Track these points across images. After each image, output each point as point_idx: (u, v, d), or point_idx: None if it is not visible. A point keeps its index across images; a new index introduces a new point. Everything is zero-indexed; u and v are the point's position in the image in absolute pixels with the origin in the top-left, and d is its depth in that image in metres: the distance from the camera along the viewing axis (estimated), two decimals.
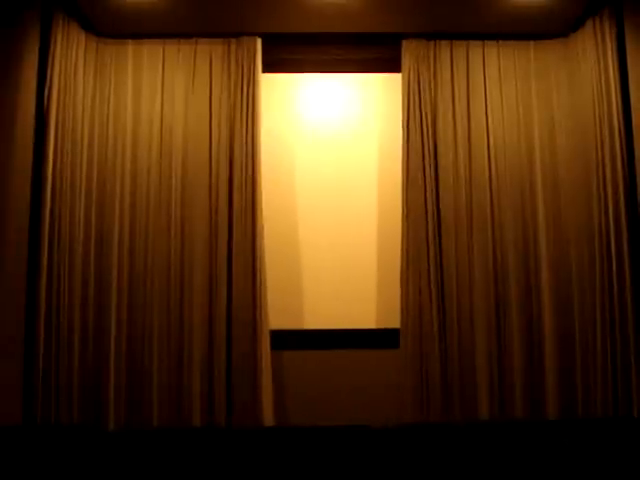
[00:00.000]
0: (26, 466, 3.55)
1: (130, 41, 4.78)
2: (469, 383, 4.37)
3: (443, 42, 4.76)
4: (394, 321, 4.55)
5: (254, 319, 4.40)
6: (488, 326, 4.45)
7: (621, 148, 4.31)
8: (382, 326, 4.73)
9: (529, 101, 4.73)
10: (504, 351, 4.44)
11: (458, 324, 4.43)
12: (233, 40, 4.75)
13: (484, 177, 4.61)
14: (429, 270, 4.44)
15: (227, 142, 4.61)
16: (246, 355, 4.36)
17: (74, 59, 4.50)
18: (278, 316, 4.62)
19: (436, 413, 4.32)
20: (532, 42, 4.78)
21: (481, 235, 4.53)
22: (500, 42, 4.78)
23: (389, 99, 4.93)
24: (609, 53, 4.39)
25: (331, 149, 4.93)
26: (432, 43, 4.75)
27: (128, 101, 4.69)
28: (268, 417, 4.34)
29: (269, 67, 4.80)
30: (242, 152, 4.55)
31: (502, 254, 4.54)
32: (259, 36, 4.73)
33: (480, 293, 4.47)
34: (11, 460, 3.59)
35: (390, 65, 4.84)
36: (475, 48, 4.77)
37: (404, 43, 4.72)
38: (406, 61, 4.69)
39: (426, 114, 4.61)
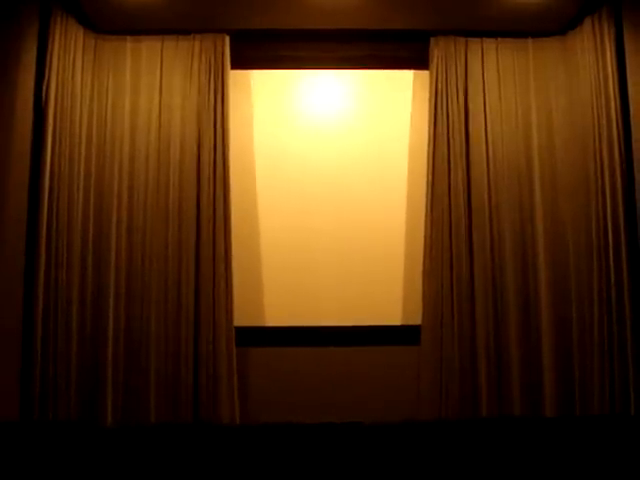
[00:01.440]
0: (23, 462, 3.55)
1: (128, 37, 4.76)
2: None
3: (461, 39, 4.77)
4: (393, 318, 4.63)
5: (217, 316, 4.42)
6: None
7: (619, 146, 4.31)
8: (382, 323, 4.74)
9: (527, 99, 4.73)
10: (502, 345, 4.45)
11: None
12: (208, 36, 4.72)
13: (484, 174, 4.62)
14: (452, 266, 4.46)
15: (195, 141, 4.61)
16: (210, 352, 4.38)
17: (72, 55, 4.49)
18: (275, 313, 4.69)
19: (454, 410, 4.34)
20: (530, 40, 4.78)
21: (511, 231, 4.55)
22: (499, 39, 4.79)
23: (382, 94, 4.98)
24: (607, 51, 4.39)
25: (331, 146, 4.93)
26: (456, 40, 4.76)
27: (126, 97, 4.68)
28: (232, 415, 4.36)
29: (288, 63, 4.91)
30: (210, 151, 4.56)
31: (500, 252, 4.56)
32: (270, 31, 4.75)
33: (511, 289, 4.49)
34: (8, 456, 3.59)
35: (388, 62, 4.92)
36: (473, 45, 4.77)
37: (432, 40, 4.74)
38: (434, 58, 4.70)
39: (453, 111, 4.63)
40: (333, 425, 4.13)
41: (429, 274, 4.49)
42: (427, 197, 4.58)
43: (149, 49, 4.76)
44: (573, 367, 4.42)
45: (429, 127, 4.65)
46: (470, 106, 4.68)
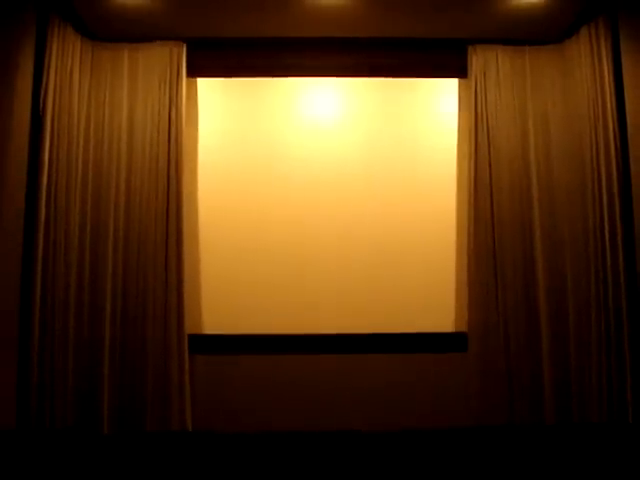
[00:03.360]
0: (20, 470, 3.53)
1: (126, 45, 4.77)
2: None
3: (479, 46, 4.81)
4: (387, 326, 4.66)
5: (169, 322, 4.43)
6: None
7: (616, 153, 4.35)
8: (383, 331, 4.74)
9: (524, 104, 4.76)
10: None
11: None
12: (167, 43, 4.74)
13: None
14: (496, 274, 4.52)
15: (155, 147, 4.64)
16: (162, 358, 4.40)
17: (70, 63, 4.50)
18: (271, 320, 4.68)
19: (502, 417, 4.37)
20: (527, 48, 4.81)
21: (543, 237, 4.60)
22: (499, 47, 4.83)
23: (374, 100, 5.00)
24: (604, 60, 4.42)
25: (332, 147, 4.94)
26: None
27: (124, 103, 4.69)
28: (183, 422, 4.36)
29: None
30: (165, 157, 4.60)
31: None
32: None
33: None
34: (5, 464, 3.57)
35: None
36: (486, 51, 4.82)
37: (469, 48, 4.79)
38: (472, 66, 4.76)
39: (488, 118, 4.70)
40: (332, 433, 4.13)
41: (474, 283, 4.54)
42: (469, 207, 4.62)
43: (145, 56, 4.76)
44: (570, 374, 4.41)
45: (471, 136, 4.69)
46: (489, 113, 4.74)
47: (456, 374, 4.55)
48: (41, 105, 4.27)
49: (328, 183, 4.89)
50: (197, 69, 4.88)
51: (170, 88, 4.69)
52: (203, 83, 5.00)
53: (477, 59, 4.78)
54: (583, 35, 4.56)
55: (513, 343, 4.48)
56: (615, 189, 4.33)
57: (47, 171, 4.27)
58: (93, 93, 4.69)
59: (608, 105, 4.39)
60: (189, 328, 4.53)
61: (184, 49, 4.75)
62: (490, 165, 4.65)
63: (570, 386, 4.39)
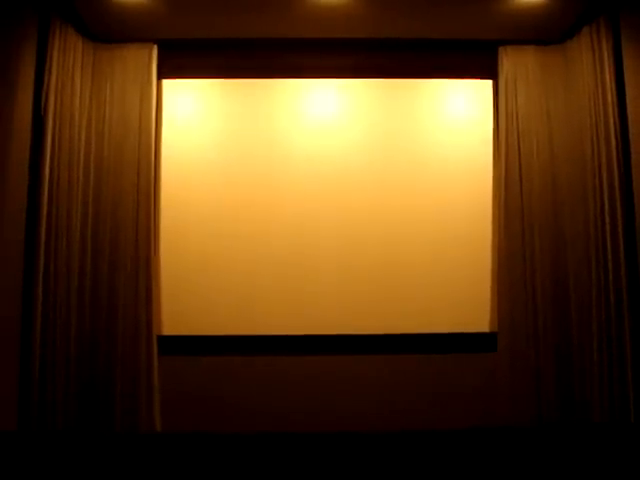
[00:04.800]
0: (21, 472, 3.52)
1: (126, 45, 4.77)
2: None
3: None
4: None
5: (139, 323, 4.44)
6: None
7: (617, 153, 4.35)
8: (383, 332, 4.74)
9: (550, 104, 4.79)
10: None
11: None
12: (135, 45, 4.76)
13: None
14: (525, 273, 4.53)
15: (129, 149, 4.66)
16: (130, 359, 4.41)
17: (71, 63, 4.50)
18: (269, 321, 4.69)
19: (531, 416, 4.38)
20: (531, 47, 4.83)
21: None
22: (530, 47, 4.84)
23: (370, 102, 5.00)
24: (605, 60, 4.43)
25: (330, 143, 4.94)
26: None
27: (125, 104, 4.70)
28: (152, 422, 4.38)
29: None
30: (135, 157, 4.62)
31: None
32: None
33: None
34: (6, 466, 3.56)
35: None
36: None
37: (500, 49, 4.81)
38: (503, 67, 4.78)
39: (517, 117, 4.72)
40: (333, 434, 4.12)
41: (504, 283, 4.57)
42: (500, 210, 4.66)
43: (146, 56, 4.77)
44: (572, 374, 4.43)
45: (499, 136, 4.73)
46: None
47: (469, 374, 4.57)
48: (42, 105, 4.26)
49: (330, 182, 4.89)
50: (195, 69, 4.90)
51: (142, 89, 4.72)
52: (202, 84, 4.99)
53: (507, 60, 4.77)
54: (585, 35, 4.56)
55: (542, 341, 4.47)
56: (616, 189, 4.33)
57: (49, 170, 4.26)
58: (94, 92, 4.70)
59: (609, 105, 4.39)
60: (186, 329, 4.57)
61: (155, 50, 4.73)
62: (520, 164, 4.64)
63: (571, 385, 4.41)
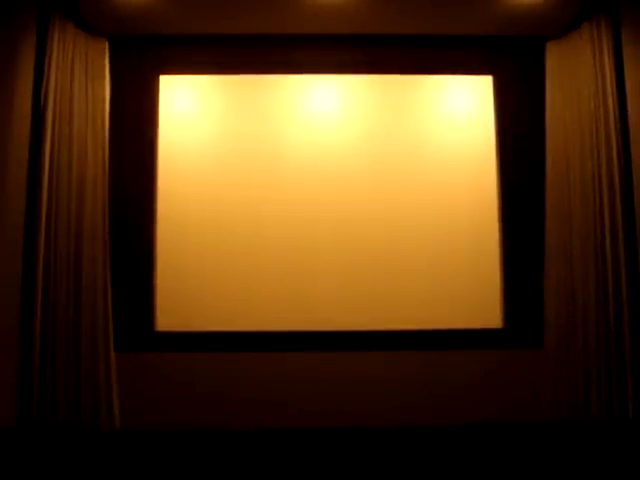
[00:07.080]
0: (21, 467, 3.54)
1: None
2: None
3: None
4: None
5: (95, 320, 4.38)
6: None
7: (617, 150, 4.34)
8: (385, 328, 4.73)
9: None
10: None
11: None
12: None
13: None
14: (572, 271, 4.47)
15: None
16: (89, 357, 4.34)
17: (70, 60, 4.49)
18: (273, 316, 4.68)
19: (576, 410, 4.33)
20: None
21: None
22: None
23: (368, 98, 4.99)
24: (605, 55, 4.41)
25: (330, 140, 4.93)
26: None
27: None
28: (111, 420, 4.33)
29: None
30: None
31: None
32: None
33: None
34: (6, 461, 3.58)
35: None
36: None
37: (548, 45, 4.75)
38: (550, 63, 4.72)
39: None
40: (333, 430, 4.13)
41: (550, 280, 4.53)
42: (547, 204, 4.60)
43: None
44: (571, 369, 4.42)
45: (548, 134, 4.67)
46: None
47: (475, 370, 4.57)
48: (42, 101, 4.26)
49: (330, 177, 4.88)
50: (193, 66, 4.90)
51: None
52: (201, 80, 4.98)
53: (552, 54, 4.72)
54: (584, 31, 4.54)
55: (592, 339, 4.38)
56: (616, 185, 4.32)
57: (48, 169, 4.26)
58: (94, 89, 4.66)
59: (609, 101, 4.38)
60: (184, 325, 4.57)
61: (106, 45, 4.66)
62: (568, 160, 4.58)
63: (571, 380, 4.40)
